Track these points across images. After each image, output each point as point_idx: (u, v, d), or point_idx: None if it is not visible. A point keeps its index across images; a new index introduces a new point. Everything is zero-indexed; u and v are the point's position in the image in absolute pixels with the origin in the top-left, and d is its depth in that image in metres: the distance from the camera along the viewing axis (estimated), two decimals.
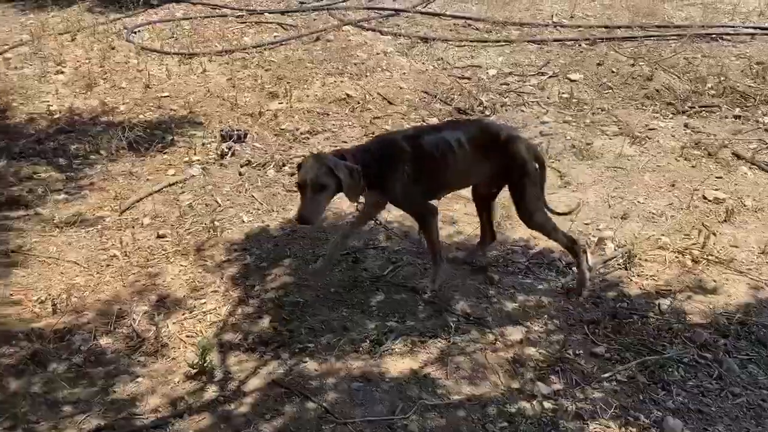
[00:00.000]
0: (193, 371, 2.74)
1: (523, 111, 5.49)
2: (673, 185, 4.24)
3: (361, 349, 2.86)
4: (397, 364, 2.79)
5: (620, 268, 3.40)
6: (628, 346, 2.86)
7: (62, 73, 6.19)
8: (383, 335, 2.91)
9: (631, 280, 3.31)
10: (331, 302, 3.17)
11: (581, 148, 4.77)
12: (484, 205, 3.38)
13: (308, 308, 3.14)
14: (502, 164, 3.09)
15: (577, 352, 2.84)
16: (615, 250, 3.53)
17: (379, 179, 2.98)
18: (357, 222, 3.40)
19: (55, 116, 5.38)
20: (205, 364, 2.73)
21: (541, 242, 3.66)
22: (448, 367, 2.76)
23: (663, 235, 3.68)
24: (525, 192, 3.13)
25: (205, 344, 2.73)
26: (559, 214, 3.35)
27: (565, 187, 4.29)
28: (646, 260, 3.46)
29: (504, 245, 3.63)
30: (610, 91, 5.77)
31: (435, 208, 3.14)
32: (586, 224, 3.83)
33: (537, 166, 3.16)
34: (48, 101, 5.64)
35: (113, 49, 6.71)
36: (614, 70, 6.12)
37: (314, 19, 7.66)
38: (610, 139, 4.94)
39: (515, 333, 2.95)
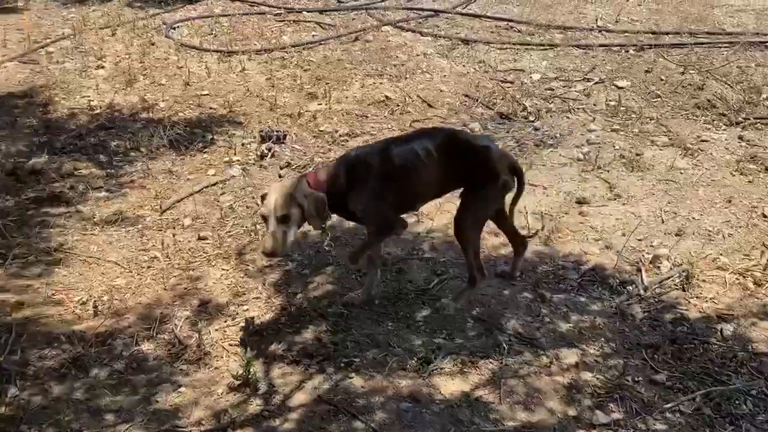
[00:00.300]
0: (237, 383, 2.67)
1: (568, 118, 5.34)
2: (730, 201, 4.06)
3: (408, 366, 2.76)
4: (447, 384, 2.69)
5: (677, 289, 3.25)
6: (691, 375, 2.72)
7: (102, 68, 6.19)
8: (431, 353, 2.81)
9: (689, 302, 3.16)
10: (376, 315, 3.08)
11: (631, 159, 4.61)
12: (497, 217, 3.25)
13: (352, 320, 3.05)
14: (473, 173, 2.97)
15: (636, 379, 2.71)
16: (671, 269, 3.38)
17: (344, 200, 2.91)
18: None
19: (96, 112, 5.37)
20: (249, 376, 2.65)
21: (593, 258, 3.53)
22: (501, 391, 2.65)
23: (721, 254, 3.52)
24: (477, 203, 3.00)
25: (249, 356, 2.65)
26: (521, 235, 3.29)
27: (615, 199, 4.14)
28: (704, 281, 3.31)
29: (554, 260, 3.51)
30: (659, 99, 5.59)
31: (401, 223, 3.03)
32: (639, 240, 3.68)
33: (514, 178, 3.04)
34: (89, 96, 5.64)
35: (153, 44, 6.70)
36: (663, 77, 5.93)
37: (353, 19, 7.58)
38: (661, 150, 4.77)
39: (570, 356, 2.82)
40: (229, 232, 3.85)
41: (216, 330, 3.02)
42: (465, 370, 2.74)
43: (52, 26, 7.22)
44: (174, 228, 3.90)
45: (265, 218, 2.79)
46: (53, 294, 3.29)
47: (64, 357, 2.83)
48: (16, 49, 6.50)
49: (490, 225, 3.23)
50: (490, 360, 2.79)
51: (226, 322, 3.07)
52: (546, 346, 2.87)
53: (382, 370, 2.75)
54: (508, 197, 3.15)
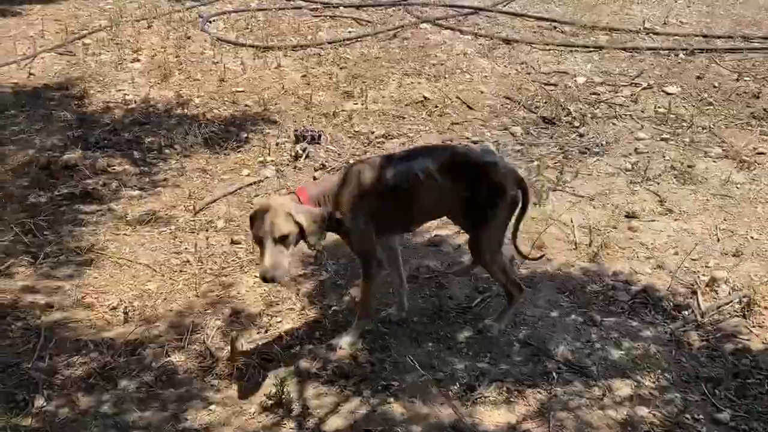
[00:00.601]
0: (270, 402, 2.55)
1: (614, 124, 5.12)
2: None
3: (450, 393, 2.61)
4: (492, 414, 2.53)
5: (737, 316, 3.04)
6: (757, 415, 2.53)
7: (138, 61, 6.13)
8: (474, 379, 2.65)
9: (751, 331, 2.96)
10: (415, 334, 2.93)
11: (682, 171, 4.39)
12: None
13: (390, 338, 2.91)
14: (475, 191, 2.77)
15: (696, 417, 2.52)
16: (730, 293, 3.17)
17: (337, 220, 2.71)
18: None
19: (131, 106, 5.30)
20: (282, 396, 2.53)
21: (644, 278, 3.33)
22: (550, 425, 2.49)
23: None
24: (489, 224, 2.80)
25: (284, 375, 2.53)
26: (524, 256, 3.11)
27: (667, 214, 3.93)
28: (766, 308, 3.09)
29: (602, 278, 3.32)
30: (712, 107, 5.34)
31: (382, 260, 2.88)
32: (693, 260, 3.47)
33: (519, 193, 2.84)
34: (124, 90, 5.58)
35: (189, 38, 6.62)
36: (716, 84, 5.67)
37: (390, 15, 7.41)
38: (714, 162, 4.53)
39: (624, 388, 2.64)
40: None
41: (248, 342, 2.90)
42: (511, 399, 2.57)
43: (89, 17, 7.18)
44: (207, 230, 3.80)
45: (260, 240, 2.56)
46: (83, 297, 3.21)
47: (92, 366, 2.74)
48: (53, 40, 6.47)
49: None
50: (538, 389, 2.62)
51: (258, 334, 2.96)
52: (597, 376, 2.69)
53: (423, 395, 2.60)
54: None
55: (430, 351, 2.83)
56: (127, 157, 4.59)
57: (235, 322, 3.04)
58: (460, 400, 2.58)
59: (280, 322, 3.04)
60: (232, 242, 3.67)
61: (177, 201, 4.09)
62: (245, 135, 4.89)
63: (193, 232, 3.77)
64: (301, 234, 2.58)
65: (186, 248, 3.62)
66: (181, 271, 3.43)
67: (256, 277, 3.38)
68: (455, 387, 2.64)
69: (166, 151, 4.69)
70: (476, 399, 2.58)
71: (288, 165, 4.55)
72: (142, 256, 3.55)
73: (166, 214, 3.95)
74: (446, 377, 2.69)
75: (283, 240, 2.53)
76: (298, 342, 2.90)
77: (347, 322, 2.99)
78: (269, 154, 4.66)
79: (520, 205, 2.87)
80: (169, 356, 2.82)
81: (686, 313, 3.07)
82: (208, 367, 2.76)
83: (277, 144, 4.80)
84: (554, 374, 2.69)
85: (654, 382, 2.67)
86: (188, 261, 3.50)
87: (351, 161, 4.54)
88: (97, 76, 5.80)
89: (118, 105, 5.34)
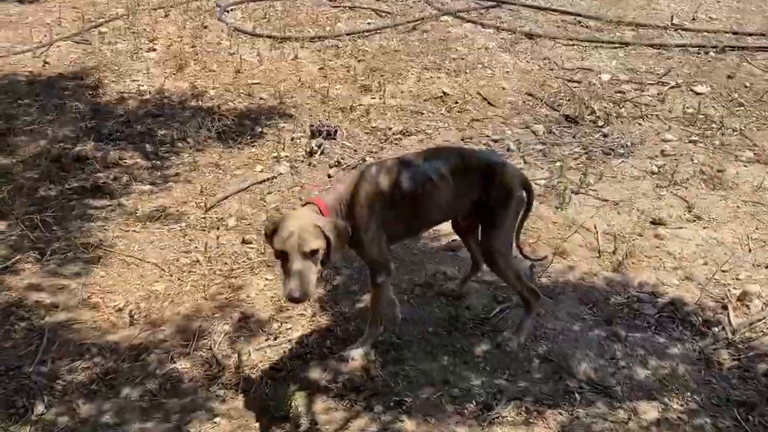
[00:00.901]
0: (277, 416, 2.44)
1: (640, 125, 4.94)
2: None
3: (466, 411, 2.48)
4: None
5: None
6: None
7: (154, 50, 6.04)
8: (492, 397, 2.52)
9: None
10: (430, 346, 2.80)
11: (711, 176, 4.21)
12: (468, 235, 3.00)
13: (404, 350, 2.78)
14: (485, 193, 2.74)
15: None
16: (763, 309, 3.01)
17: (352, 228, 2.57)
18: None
19: (145, 97, 5.21)
20: (290, 410, 2.42)
21: (671, 290, 3.18)
22: None
23: None
24: (500, 226, 2.74)
25: (293, 390, 2.42)
26: (527, 258, 3.08)
27: (695, 221, 3.76)
28: None
29: (627, 290, 3.17)
30: (743, 108, 5.14)
31: (391, 267, 2.76)
32: (723, 271, 3.31)
33: (524, 194, 2.81)
34: (138, 80, 5.49)
35: (205, 27, 6.52)
36: (747, 84, 5.46)
37: (410, 7, 7.25)
38: (746, 167, 4.35)
39: (650, 411, 2.50)
40: None
41: (256, 349, 2.80)
42: (530, 420, 2.44)
43: (106, 5, 7.09)
44: (218, 228, 3.70)
45: (284, 255, 2.35)
46: (89, 297, 3.12)
47: (95, 372, 2.65)
48: (70, 28, 6.40)
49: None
50: (559, 410, 2.49)
51: (267, 341, 2.85)
52: (622, 397, 2.55)
53: (437, 413, 2.48)
54: None
55: (446, 365, 2.70)
56: (140, 150, 4.51)
57: (244, 327, 2.93)
58: (477, 420, 2.45)
59: (290, 328, 2.93)
60: (243, 242, 3.57)
61: (188, 197, 4.00)
62: (260, 129, 4.78)
63: (203, 230, 3.67)
64: (327, 249, 2.42)
65: (196, 247, 3.52)
66: (190, 271, 3.33)
67: (267, 280, 3.28)
68: (471, 405, 2.51)
69: (179, 144, 4.59)
70: (493, 419, 2.45)
71: (302, 161, 4.44)
72: (150, 255, 3.45)
73: (177, 211, 3.86)
74: (462, 394, 2.56)
75: (312, 255, 2.36)
76: (308, 351, 2.79)
77: (360, 331, 2.88)
78: (284, 150, 4.55)
79: (524, 206, 2.84)
80: (174, 362, 2.73)
81: (716, 329, 2.91)
82: (214, 375, 2.66)
83: (292, 139, 4.69)
84: (576, 394, 2.55)
85: (682, 405, 2.52)
86: (198, 261, 3.41)
87: (367, 160, 4.42)
88: (112, 65, 5.72)
89: (132, 96, 5.25)
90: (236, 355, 2.73)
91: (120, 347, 2.79)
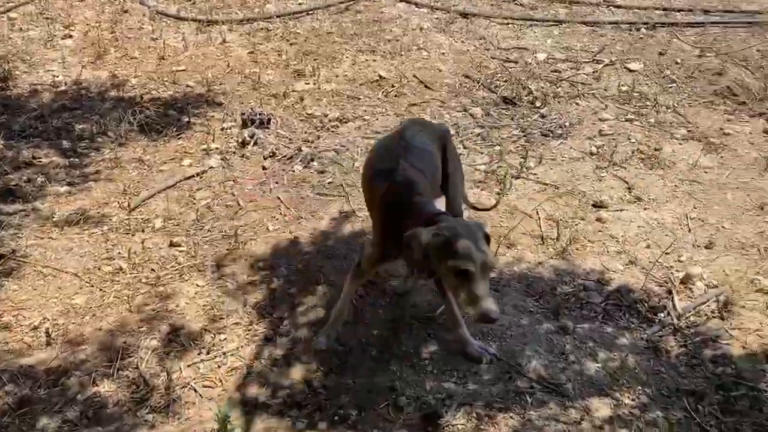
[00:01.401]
0: None
1: (577, 104, 4.90)
2: (762, 208, 3.69)
3: (414, 422, 2.36)
4: None
5: (715, 317, 2.87)
6: None
7: (70, 37, 5.63)
8: (441, 403, 2.41)
9: (731, 334, 2.79)
10: (375, 350, 2.67)
11: (649, 155, 4.21)
12: None
13: (348, 357, 2.64)
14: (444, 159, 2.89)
15: None
16: (706, 291, 3.01)
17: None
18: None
19: (61, 89, 4.85)
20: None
21: (616, 276, 3.15)
22: None
23: (758, 274, 3.14)
24: (459, 183, 3.00)
25: (226, 411, 2.24)
26: (476, 209, 3.30)
27: (636, 202, 3.75)
28: (743, 307, 2.94)
29: (573, 278, 3.11)
30: (675, 85, 5.16)
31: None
32: (666, 254, 3.29)
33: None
34: (53, 70, 5.11)
35: (126, 12, 6.12)
36: (678, 60, 5.49)
37: None
38: (681, 144, 4.37)
39: (602, 407, 2.44)
40: (206, 237, 3.41)
41: (188, 366, 2.61)
42: (481, 427, 2.34)
43: None
44: (143, 231, 3.46)
45: (484, 268, 2.15)
46: (0, 315, 2.85)
47: (6, 401, 2.41)
48: None
49: None
50: (511, 414, 2.40)
51: (200, 355, 2.66)
52: (574, 395, 2.48)
53: (385, 426, 2.35)
54: None
55: (393, 371, 2.58)
56: (55, 147, 4.18)
57: (174, 341, 2.73)
58: (426, 431, 2.34)
59: (225, 340, 2.74)
60: (171, 245, 3.34)
61: (110, 197, 3.73)
62: (187, 119, 4.51)
63: (127, 234, 3.42)
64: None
65: (119, 253, 3.28)
66: (112, 280, 3.09)
67: (198, 286, 3.06)
68: (418, 414, 2.39)
69: (99, 139, 4.29)
70: (444, 428, 2.34)
71: (234, 153, 4.21)
72: (69, 264, 3.19)
73: (98, 213, 3.59)
74: (410, 402, 2.44)
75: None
76: (245, 365, 2.61)
77: (301, 340, 2.72)
78: (213, 141, 4.31)
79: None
80: (96, 386, 2.51)
81: (662, 315, 2.89)
82: (142, 398, 2.46)
83: (222, 129, 4.45)
84: (527, 395, 2.46)
85: (634, 400, 2.47)
86: (121, 268, 3.16)
87: (303, 149, 4.23)
88: (23, 54, 5.30)
89: (46, 87, 4.88)
90: (165, 373, 2.53)
91: (36, 371, 2.55)
